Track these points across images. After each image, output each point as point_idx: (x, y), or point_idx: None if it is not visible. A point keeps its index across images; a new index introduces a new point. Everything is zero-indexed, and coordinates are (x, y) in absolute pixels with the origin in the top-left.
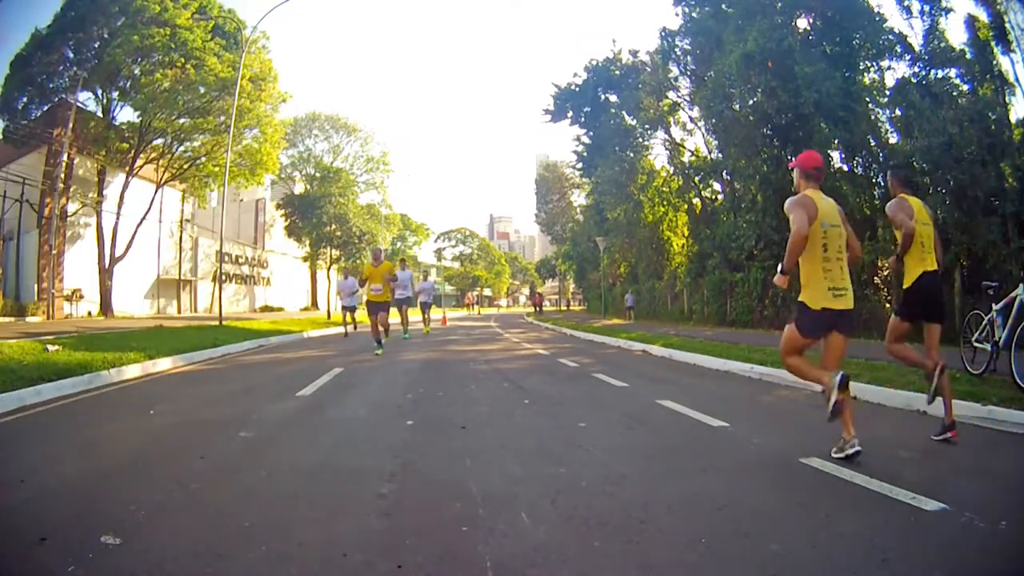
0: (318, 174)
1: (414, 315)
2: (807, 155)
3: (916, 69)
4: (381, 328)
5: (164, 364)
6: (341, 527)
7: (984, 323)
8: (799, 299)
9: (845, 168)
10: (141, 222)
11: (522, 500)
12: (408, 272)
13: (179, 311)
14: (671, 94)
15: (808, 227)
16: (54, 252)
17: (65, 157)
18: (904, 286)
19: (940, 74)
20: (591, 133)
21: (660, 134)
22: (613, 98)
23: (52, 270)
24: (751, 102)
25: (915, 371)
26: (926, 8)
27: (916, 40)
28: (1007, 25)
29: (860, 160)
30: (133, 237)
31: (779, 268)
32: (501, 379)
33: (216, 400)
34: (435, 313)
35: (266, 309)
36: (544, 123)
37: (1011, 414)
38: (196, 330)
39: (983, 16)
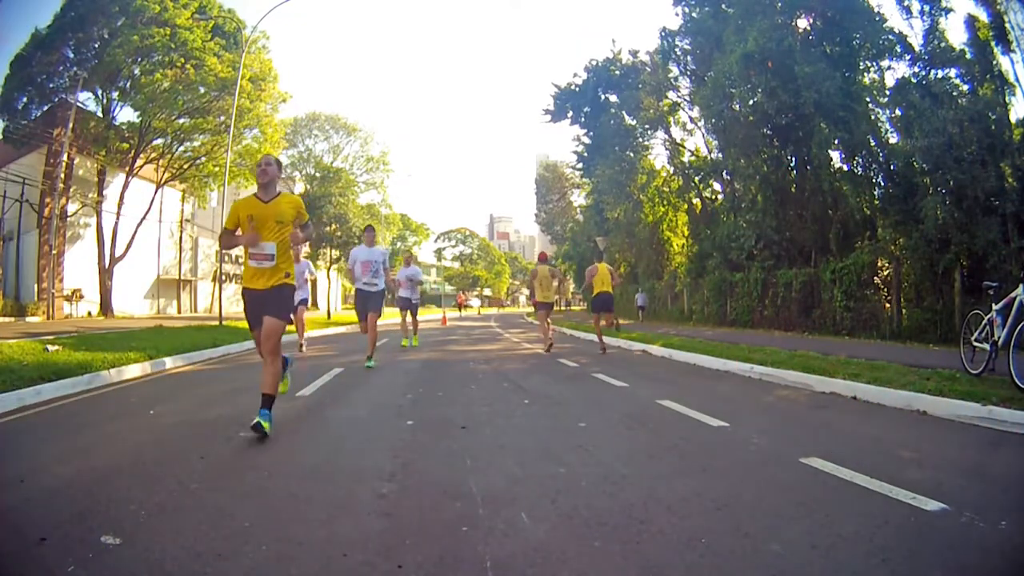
0: (318, 174)
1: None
2: (541, 253)
3: (916, 69)
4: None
5: (164, 364)
6: (341, 527)
7: (984, 323)
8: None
9: (845, 168)
10: (141, 222)
11: (522, 500)
12: (381, 250)
13: (179, 311)
14: (671, 94)
15: (532, 283)
16: (54, 252)
17: (65, 157)
18: (591, 297)
19: (940, 74)
20: (591, 133)
21: (660, 134)
22: (613, 98)
23: (52, 270)
24: (751, 102)
25: (915, 371)
26: (926, 8)
27: (916, 40)
28: (1007, 25)
29: (860, 160)
30: (133, 237)
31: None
32: (501, 379)
33: (216, 400)
34: (433, 313)
35: None
36: (544, 123)
37: (1011, 414)
38: (196, 330)
39: (983, 16)
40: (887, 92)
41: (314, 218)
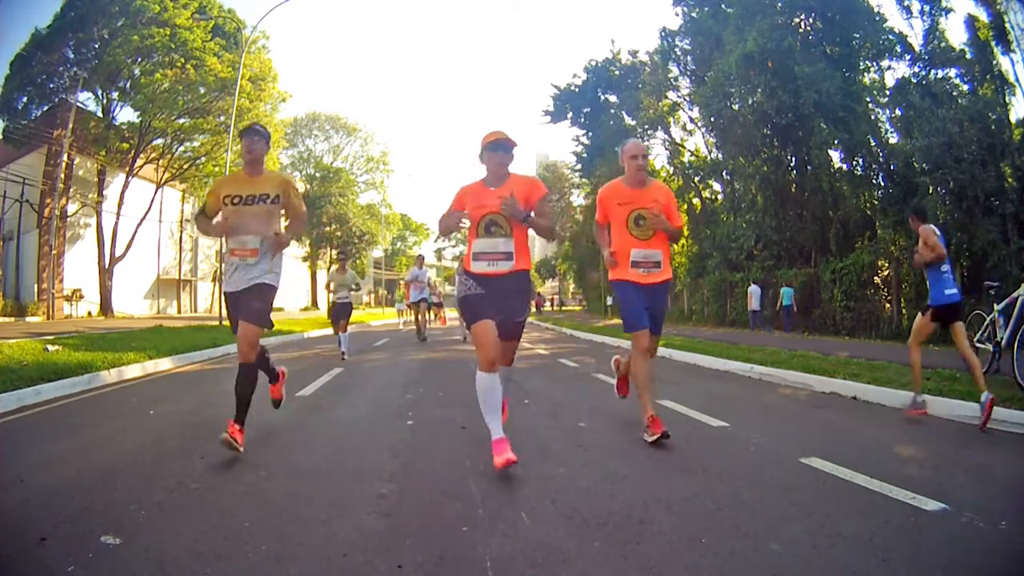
0: (318, 174)
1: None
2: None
3: (916, 69)
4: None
5: (164, 364)
6: (341, 527)
7: (986, 323)
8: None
9: (845, 168)
10: (141, 222)
11: (522, 500)
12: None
13: (179, 311)
14: (671, 94)
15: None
16: (54, 252)
17: (65, 157)
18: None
19: (940, 74)
20: (591, 133)
21: (660, 134)
22: (613, 98)
23: (52, 270)
24: (751, 102)
25: None
26: (926, 8)
27: (916, 40)
28: (1007, 25)
29: (860, 160)
30: (133, 237)
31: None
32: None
33: (216, 400)
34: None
35: None
36: (544, 124)
37: (1011, 414)
38: (196, 330)
39: (983, 16)
40: (887, 92)
41: (314, 218)
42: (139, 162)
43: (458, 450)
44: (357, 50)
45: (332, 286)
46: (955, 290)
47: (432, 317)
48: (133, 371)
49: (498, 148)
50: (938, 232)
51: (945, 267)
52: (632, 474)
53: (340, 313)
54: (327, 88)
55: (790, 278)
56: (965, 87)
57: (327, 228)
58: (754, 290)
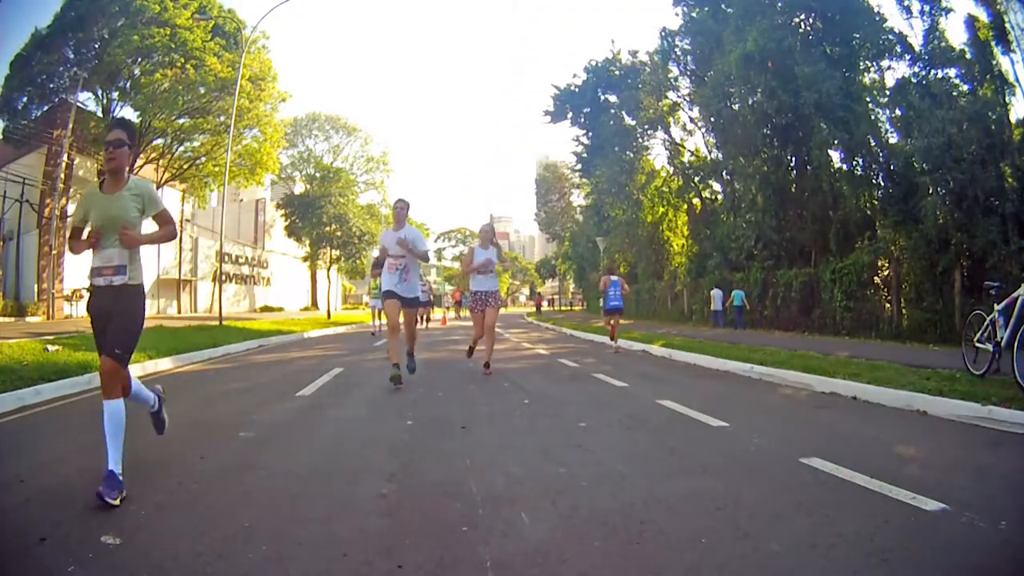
0: (318, 174)
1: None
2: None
3: (916, 69)
4: None
5: (164, 364)
6: (341, 527)
7: (986, 323)
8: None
9: (845, 168)
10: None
11: (522, 500)
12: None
13: (179, 311)
14: (671, 94)
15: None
16: (54, 252)
17: (65, 157)
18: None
19: (940, 74)
20: (591, 133)
21: (660, 134)
22: (613, 98)
23: (52, 270)
24: (751, 102)
25: (915, 371)
26: (926, 8)
27: (916, 40)
28: (1007, 25)
29: (860, 160)
30: None
31: None
32: (501, 379)
33: (216, 400)
34: (434, 313)
35: (266, 309)
36: (544, 124)
37: (1011, 414)
38: (196, 330)
39: (983, 16)
40: (887, 92)
41: (314, 218)
42: (139, 162)
43: (458, 450)
44: (357, 50)
45: (85, 231)
46: (617, 302)
47: (424, 322)
48: (133, 371)
49: None
50: (613, 279)
51: (612, 290)
52: (632, 474)
53: (102, 320)
54: (327, 88)
55: (790, 278)
56: (965, 87)
57: (327, 228)
58: (716, 293)
